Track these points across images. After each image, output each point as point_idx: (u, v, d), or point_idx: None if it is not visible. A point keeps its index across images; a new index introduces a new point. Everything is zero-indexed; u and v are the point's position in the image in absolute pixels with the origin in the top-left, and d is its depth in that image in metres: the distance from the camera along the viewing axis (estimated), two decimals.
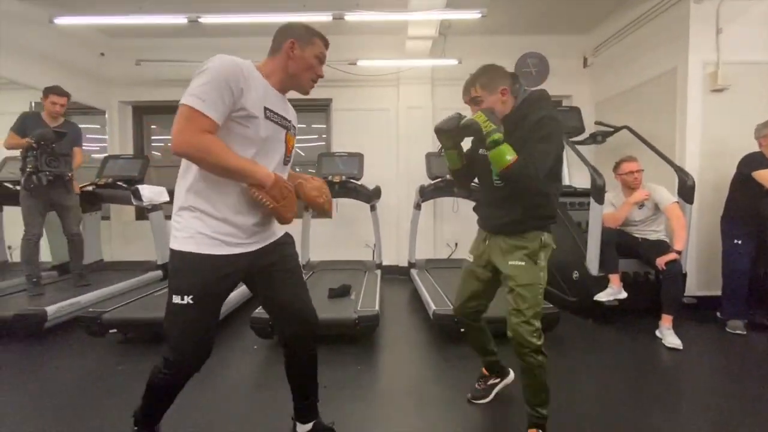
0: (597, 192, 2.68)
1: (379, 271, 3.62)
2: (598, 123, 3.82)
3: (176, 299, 1.12)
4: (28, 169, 2.73)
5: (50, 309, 2.49)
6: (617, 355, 2.33)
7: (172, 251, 1.14)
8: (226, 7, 3.29)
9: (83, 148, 3.15)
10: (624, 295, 2.61)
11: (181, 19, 3.16)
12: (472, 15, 3.20)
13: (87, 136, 3.73)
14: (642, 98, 3.63)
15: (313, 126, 4.79)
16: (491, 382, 1.79)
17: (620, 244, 2.73)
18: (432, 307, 2.53)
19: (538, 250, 1.41)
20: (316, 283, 3.22)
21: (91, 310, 2.47)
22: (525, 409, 1.44)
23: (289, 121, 1.28)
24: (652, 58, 3.47)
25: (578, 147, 3.16)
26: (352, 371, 2.09)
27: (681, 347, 2.32)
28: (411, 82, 4.36)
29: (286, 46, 1.20)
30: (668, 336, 2.41)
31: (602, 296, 2.65)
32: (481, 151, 1.49)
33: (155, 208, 3.55)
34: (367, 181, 3.70)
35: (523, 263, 1.41)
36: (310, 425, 1.41)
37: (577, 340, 2.55)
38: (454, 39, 4.16)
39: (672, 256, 2.49)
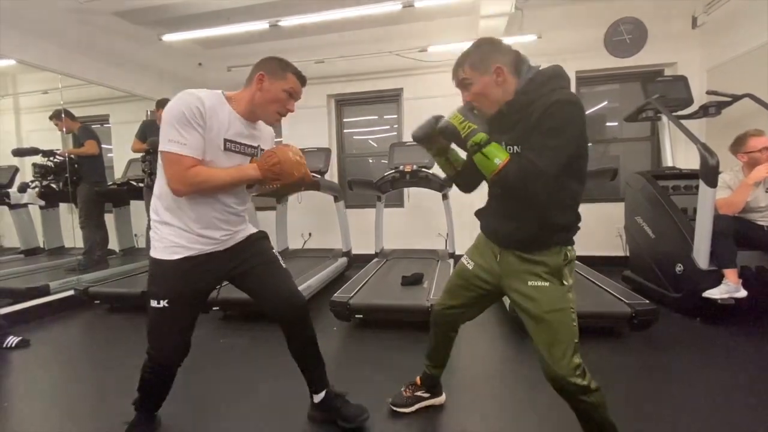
0: (708, 173, 2.31)
1: (451, 261, 3.59)
2: (710, 92, 3.27)
3: (153, 303, 1.24)
4: (146, 170, 3.25)
5: None
6: (732, 361, 2.01)
7: (150, 259, 1.27)
8: (302, 9, 3.46)
9: None
10: (743, 293, 2.24)
11: (263, 25, 3.42)
12: None
13: None
14: None
15: (384, 117, 4.85)
16: (419, 394, 1.62)
17: (739, 233, 2.34)
18: (508, 299, 2.44)
19: (562, 267, 1.15)
20: (389, 270, 3.30)
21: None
22: None
23: (256, 147, 1.33)
24: None
25: (685, 122, 2.75)
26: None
27: None
28: None
29: (256, 77, 1.26)
30: None
31: (714, 293, 2.30)
32: None
33: None
34: (439, 169, 3.65)
35: (546, 284, 1.15)
36: (322, 394, 1.50)
37: (679, 341, 2.25)
38: (533, 12, 3.86)
39: None
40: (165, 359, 1.32)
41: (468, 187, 1.44)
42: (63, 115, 3.54)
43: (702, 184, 2.35)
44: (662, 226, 2.77)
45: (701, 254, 2.39)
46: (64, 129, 3.62)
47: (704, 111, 3.29)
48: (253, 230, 1.45)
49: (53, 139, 3.84)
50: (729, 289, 2.27)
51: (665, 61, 3.97)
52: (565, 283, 1.15)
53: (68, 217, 4.15)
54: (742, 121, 2.96)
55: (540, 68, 1.13)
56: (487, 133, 1.08)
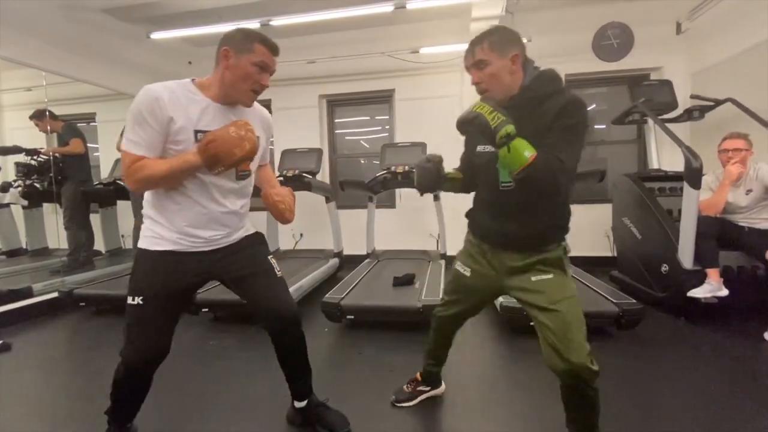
0: (692, 175, 2.37)
1: (443, 261, 3.61)
2: (694, 97, 3.35)
3: (129, 300, 1.18)
4: None
5: None
6: (716, 359, 2.06)
7: (137, 250, 1.23)
8: (294, 8, 3.45)
9: None
10: (725, 292, 2.29)
11: (254, 24, 3.39)
12: None
13: None
14: (751, 66, 3.10)
15: (376, 118, 4.86)
16: (420, 388, 1.68)
17: (721, 234, 2.40)
18: (500, 299, 2.46)
19: (562, 258, 1.19)
20: (380, 271, 3.30)
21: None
22: None
23: None
24: (765, 17, 2.94)
25: (670, 125, 2.81)
26: (418, 358, 2.11)
27: None
28: None
29: (221, 54, 1.15)
30: None
31: (698, 292, 2.35)
32: (480, 148, 1.25)
33: None
34: None
35: (550, 276, 1.17)
36: (304, 402, 1.47)
37: (665, 340, 2.30)
38: (523, 16, 3.90)
39: None
40: (137, 361, 1.20)
41: (469, 188, 1.44)
42: (46, 115, 3.46)
43: (686, 186, 2.40)
44: (648, 227, 2.83)
45: (686, 254, 2.44)
46: (48, 128, 3.53)
47: (688, 115, 3.37)
48: (251, 232, 1.39)
49: (37, 138, 3.75)
50: (712, 288, 2.32)
51: (651, 66, 4.05)
52: (568, 271, 1.19)
53: (52, 217, 4.06)
54: (725, 125, 3.04)
55: (540, 69, 1.17)
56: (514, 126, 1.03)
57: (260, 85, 1.19)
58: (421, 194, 1.36)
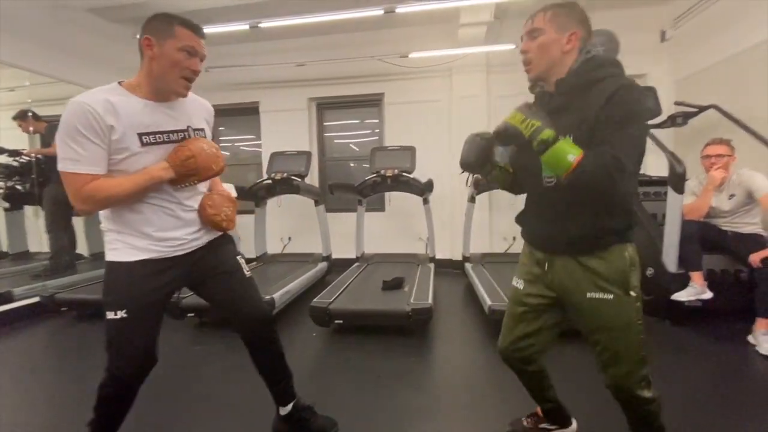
0: (676, 180, 2.41)
1: (432, 265, 3.61)
2: (678, 103, 3.42)
3: (110, 315, 1.11)
4: None
5: None
6: (700, 361, 2.09)
7: (106, 265, 1.15)
8: (283, 11, 3.44)
9: None
10: (708, 295, 2.33)
11: (243, 26, 3.37)
12: None
13: None
14: (734, 73, 3.18)
15: (366, 121, 4.86)
16: (544, 426, 1.43)
17: (704, 238, 2.44)
18: (488, 302, 2.47)
19: (628, 272, 1.02)
20: (369, 275, 3.29)
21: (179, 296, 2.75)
22: None
23: (185, 130, 1.17)
24: (747, 26, 3.02)
25: (655, 131, 2.86)
26: (406, 363, 2.12)
27: None
28: (464, 70, 4.23)
29: (143, 45, 1.07)
30: (764, 342, 2.11)
31: (682, 295, 2.39)
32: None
33: None
34: (421, 173, 3.69)
35: (610, 297, 1.02)
36: (289, 406, 1.43)
37: (650, 342, 2.32)
38: (511, 22, 3.96)
39: None
40: (126, 376, 1.15)
41: (516, 188, 1.30)
42: (29, 116, 3.39)
43: (670, 191, 2.44)
44: (634, 231, 2.85)
45: (670, 258, 2.48)
46: (31, 129, 3.46)
47: (672, 121, 3.43)
48: (216, 233, 1.33)
49: (19, 139, 3.67)
50: (696, 291, 2.36)
51: (636, 73, 4.12)
52: (632, 293, 1.02)
53: (34, 220, 3.97)
54: (708, 131, 3.11)
55: (595, 53, 1.05)
56: (554, 129, 0.95)
57: (191, 71, 1.12)
58: (463, 171, 1.23)
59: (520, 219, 1.24)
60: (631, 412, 1.10)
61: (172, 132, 1.14)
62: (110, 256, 1.15)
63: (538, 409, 1.44)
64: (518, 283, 1.22)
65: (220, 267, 1.30)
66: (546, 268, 1.13)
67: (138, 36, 1.09)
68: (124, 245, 1.14)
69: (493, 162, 1.21)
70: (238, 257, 1.36)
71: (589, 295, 1.04)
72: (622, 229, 1.04)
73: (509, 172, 1.24)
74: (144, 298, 1.14)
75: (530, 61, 1.07)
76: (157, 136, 1.10)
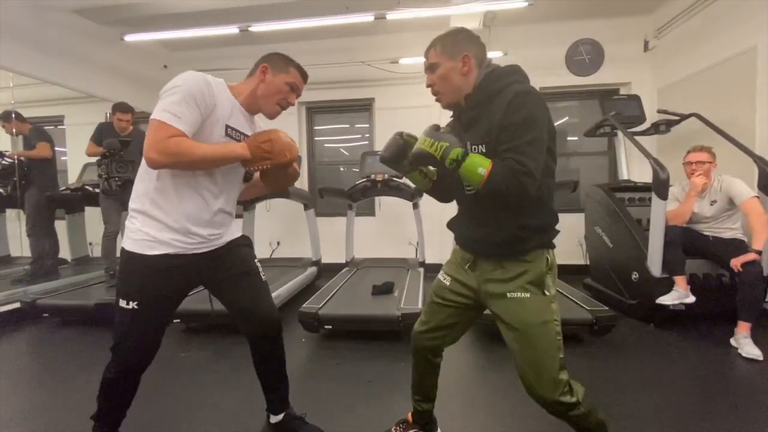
0: (659, 186, 2.47)
1: (422, 270, 3.62)
2: (660, 111, 3.51)
3: (122, 303, 1.15)
4: (102, 175, 3.07)
5: None
6: (684, 364, 2.13)
7: (123, 251, 1.17)
8: (273, 15, 3.44)
9: None
10: (692, 299, 2.39)
11: (233, 30, 3.36)
12: (519, 4, 3.08)
13: None
14: (714, 82, 3.29)
15: (356, 126, 4.87)
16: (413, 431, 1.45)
17: (687, 243, 2.50)
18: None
19: (545, 275, 1.09)
20: (359, 280, 3.28)
21: None
22: None
23: None
24: (726, 36, 3.13)
25: (639, 138, 2.93)
26: (397, 367, 2.11)
27: (761, 358, 2.08)
28: None
29: (259, 69, 1.27)
30: (745, 345, 2.17)
31: (666, 299, 2.44)
32: None
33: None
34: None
35: (527, 295, 1.08)
36: (281, 416, 1.44)
37: (636, 346, 2.37)
38: (500, 30, 4.02)
39: (750, 256, 2.23)
40: (133, 362, 1.21)
41: (445, 197, 1.37)
42: (12, 117, 3.31)
43: (654, 197, 2.50)
44: (619, 236, 2.92)
45: (654, 262, 2.53)
46: (14, 131, 3.39)
47: (655, 128, 3.52)
48: (238, 234, 1.38)
49: (1, 140, 3.58)
50: (679, 295, 2.41)
51: (620, 81, 4.23)
52: (548, 293, 1.09)
53: (15, 224, 3.87)
54: (690, 138, 3.20)
55: (498, 65, 1.13)
56: (462, 147, 1.03)
57: (287, 102, 1.31)
58: (383, 163, 1.27)
59: (450, 224, 1.31)
60: (566, 420, 1.12)
61: (246, 136, 1.27)
62: (129, 245, 1.16)
63: (409, 415, 1.48)
64: (445, 279, 1.28)
65: (239, 267, 1.33)
66: (472, 268, 1.20)
67: (257, 62, 1.29)
68: (146, 237, 1.15)
69: (406, 156, 1.21)
70: (256, 260, 1.39)
71: (509, 294, 1.10)
72: (544, 228, 1.11)
73: (432, 178, 1.31)
74: (158, 292, 1.17)
75: (438, 92, 1.17)
76: (237, 133, 1.24)
